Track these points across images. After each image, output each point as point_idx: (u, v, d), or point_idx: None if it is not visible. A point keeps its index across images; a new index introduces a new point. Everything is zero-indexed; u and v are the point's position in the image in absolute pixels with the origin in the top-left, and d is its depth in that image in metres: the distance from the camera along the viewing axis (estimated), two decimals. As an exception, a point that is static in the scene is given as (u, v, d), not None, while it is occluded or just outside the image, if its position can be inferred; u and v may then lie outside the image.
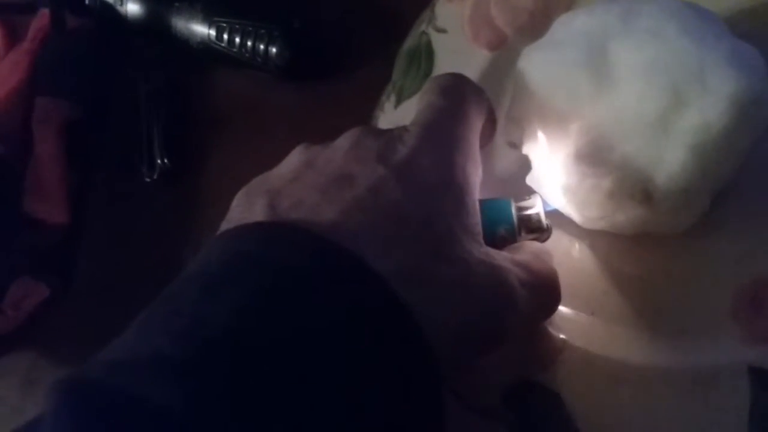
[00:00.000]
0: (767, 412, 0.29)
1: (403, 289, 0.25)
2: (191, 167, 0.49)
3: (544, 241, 0.33)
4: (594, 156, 0.31)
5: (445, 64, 0.43)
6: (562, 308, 0.33)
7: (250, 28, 0.46)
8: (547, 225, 0.33)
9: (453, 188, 0.29)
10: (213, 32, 0.47)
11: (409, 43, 0.44)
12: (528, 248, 0.32)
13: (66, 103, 0.49)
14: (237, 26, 0.47)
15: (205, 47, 0.48)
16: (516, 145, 0.34)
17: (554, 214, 0.34)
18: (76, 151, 0.49)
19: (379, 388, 0.24)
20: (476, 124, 0.31)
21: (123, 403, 0.21)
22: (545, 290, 0.31)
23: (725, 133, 0.29)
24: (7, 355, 0.46)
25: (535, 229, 0.32)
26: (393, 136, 0.30)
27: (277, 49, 0.46)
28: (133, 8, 0.50)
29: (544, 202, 0.33)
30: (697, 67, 0.30)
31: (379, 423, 0.24)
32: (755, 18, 0.36)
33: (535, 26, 0.40)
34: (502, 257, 0.29)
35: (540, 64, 0.33)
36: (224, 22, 0.47)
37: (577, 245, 0.35)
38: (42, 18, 0.51)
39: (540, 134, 0.32)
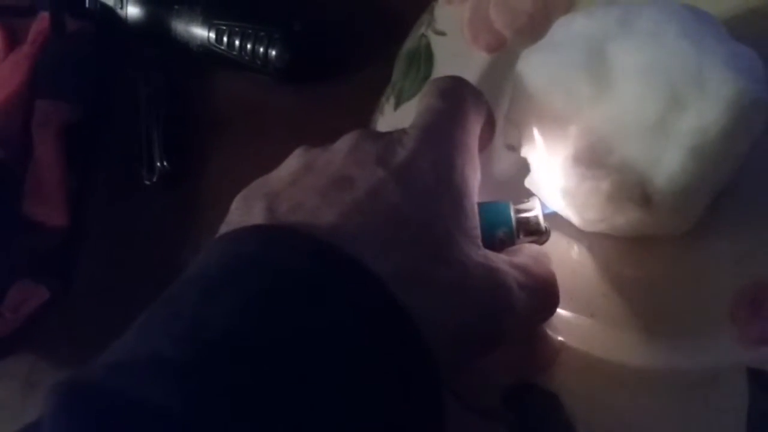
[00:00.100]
0: (766, 413, 0.29)
1: (402, 292, 0.25)
2: (191, 170, 0.49)
3: (542, 243, 0.33)
4: (593, 158, 0.31)
5: (444, 66, 0.43)
6: (560, 310, 0.33)
7: (250, 31, 0.47)
8: (545, 227, 0.33)
9: (452, 191, 0.29)
10: (213, 35, 0.47)
11: (409, 45, 0.44)
12: (526, 251, 0.32)
13: (66, 106, 0.49)
14: (237, 29, 0.47)
15: (204, 50, 0.48)
16: (515, 148, 0.34)
17: (553, 217, 0.34)
18: (75, 153, 0.49)
19: (379, 389, 0.24)
20: (475, 127, 0.31)
21: (122, 405, 0.21)
22: (544, 293, 0.31)
23: (724, 135, 0.29)
24: (7, 358, 0.47)
25: (534, 231, 0.33)
26: (392, 138, 0.30)
27: (276, 52, 0.46)
28: (133, 11, 0.50)
29: (543, 205, 0.33)
30: (696, 69, 0.30)
31: (379, 424, 0.24)
32: (754, 20, 0.36)
33: (534, 29, 0.40)
34: (500, 260, 0.29)
35: (539, 67, 0.33)
36: (224, 25, 0.47)
37: (575, 247, 0.35)
38: (42, 21, 0.51)
39: (539, 137, 0.33)
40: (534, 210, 0.33)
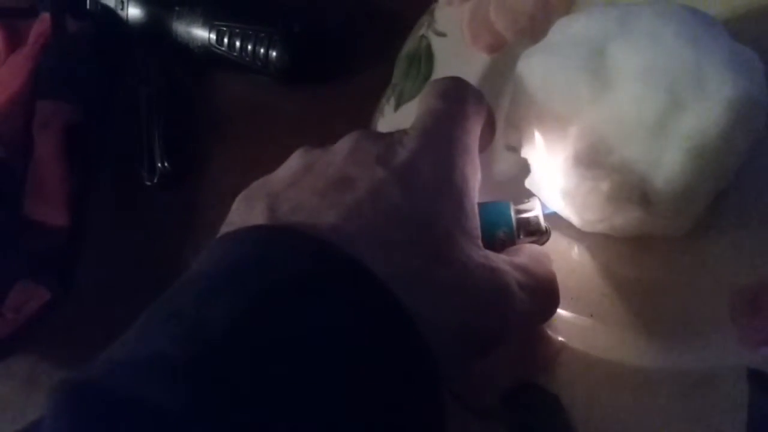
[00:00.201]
0: (765, 414, 0.29)
1: (402, 292, 0.25)
2: (191, 170, 0.49)
3: (542, 244, 0.33)
4: (593, 159, 0.31)
5: (444, 67, 0.43)
6: (560, 311, 0.33)
7: (251, 32, 0.47)
8: (545, 228, 0.33)
9: (452, 191, 0.29)
10: (213, 36, 0.48)
11: (409, 46, 0.44)
12: (527, 251, 0.32)
13: (67, 107, 0.49)
14: (237, 30, 0.47)
15: (205, 51, 0.48)
16: (515, 149, 0.35)
17: (553, 217, 0.34)
18: (76, 154, 0.49)
19: (379, 389, 0.24)
20: (475, 128, 0.31)
21: (123, 404, 0.21)
22: (544, 293, 0.31)
23: (723, 136, 0.29)
24: (8, 358, 0.47)
25: (534, 231, 0.33)
26: (393, 139, 0.30)
27: (277, 53, 0.46)
28: (133, 12, 0.50)
29: (543, 205, 0.33)
30: (695, 70, 0.30)
31: (379, 424, 0.24)
32: (754, 21, 0.36)
33: (534, 30, 0.40)
34: (500, 260, 0.29)
35: (539, 68, 0.33)
36: (224, 26, 0.47)
37: (575, 248, 0.35)
38: (43, 22, 0.51)
39: (539, 137, 0.33)
40: (534, 210, 0.33)
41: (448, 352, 0.26)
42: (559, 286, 0.32)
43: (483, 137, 0.32)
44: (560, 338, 0.34)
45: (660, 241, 0.33)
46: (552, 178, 0.32)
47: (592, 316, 0.34)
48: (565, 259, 0.35)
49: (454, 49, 0.43)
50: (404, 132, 0.30)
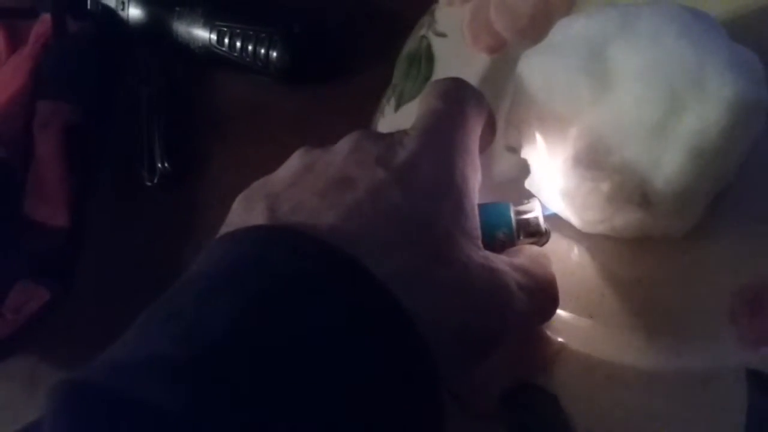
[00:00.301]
0: (764, 414, 0.29)
1: (402, 292, 0.25)
2: (192, 171, 0.49)
3: (542, 244, 0.33)
4: (593, 160, 0.31)
5: (444, 68, 0.43)
6: (560, 311, 0.33)
7: (251, 33, 0.47)
8: (545, 229, 0.33)
9: (452, 192, 0.29)
10: (214, 36, 0.48)
11: (409, 47, 0.44)
12: (526, 252, 0.32)
13: (67, 107, 0.49)
14: (238, 30, 0.47)
15: (206, 51, 0.48)
16: (515, 149, 0.35)
17: (553, 218, 0.34)
18: (77, 154, 0.49)
19: (378, 390, 0.24)
20: (476, 128, 0.31)
21: (122, 405, 0.21)
22: (543, 294, 0.31)
23: (723, 136, 0.29)
24: (9, 359, 0.47)
25: (534, 232, 0.33)
26: (393, 139, 0.30)
27: (277, 53, 0.46)
28: (134, 12, 0.50)
29: (543, 206, 0.33)
30: (696, 71, 0.30)
31: (378, 425, 0.24)
32: (754, 22, 0.36)
33: (535, 30, 0.40)
34: (500, 261, 0.29)
35: (539, 68, 0.33)
36: (225, 27, 0.47)
37: (575, 249, 0.35)
38: (43, 23, 0.51)
39: (539, 138, 0.33)
40: (534, 211, 0.33)
41: (448, 353, 0.26)
42: (559, 286, 0.32)
43: (483, 138, 0.32)
44: (560, 339, 0.34)
45: (660, 242, 0.33)
46: (552, 178, 0.33)
47: (591, 316, 0.34)
48: (565, 260, 0.35)
49: (455, 50, 0.43)
50: (404, 132, 0.30)
